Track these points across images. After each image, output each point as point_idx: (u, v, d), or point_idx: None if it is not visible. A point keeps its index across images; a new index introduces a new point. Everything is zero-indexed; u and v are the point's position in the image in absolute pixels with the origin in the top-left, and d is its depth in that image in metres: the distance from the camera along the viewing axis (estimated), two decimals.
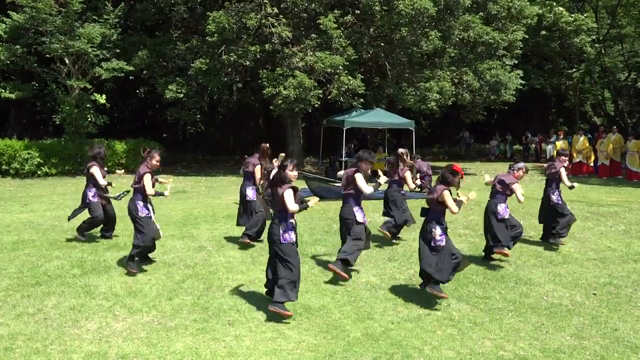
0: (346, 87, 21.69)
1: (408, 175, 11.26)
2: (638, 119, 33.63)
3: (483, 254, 10.26)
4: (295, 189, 7.23)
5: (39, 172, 21.16)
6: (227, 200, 16.30)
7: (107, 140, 23.06)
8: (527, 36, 27.28)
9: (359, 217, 9.06)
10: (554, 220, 11.25)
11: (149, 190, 9.06)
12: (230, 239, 11.41)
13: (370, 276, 9.16)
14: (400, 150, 11.69)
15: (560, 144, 26.01)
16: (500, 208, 9.82)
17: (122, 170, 16.53)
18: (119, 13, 22.54)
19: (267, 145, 11.29)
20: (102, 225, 11.16)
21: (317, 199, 7.80)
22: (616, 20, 32.73)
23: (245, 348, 6.39)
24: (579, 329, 7.08)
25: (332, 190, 17.32)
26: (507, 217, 9.84)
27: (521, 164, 10.10)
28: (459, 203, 8.03)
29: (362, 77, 22.90)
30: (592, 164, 24.81)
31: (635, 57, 34.21)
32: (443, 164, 29.00)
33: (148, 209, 9.16)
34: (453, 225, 12.28)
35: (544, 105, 39.22)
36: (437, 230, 7.85)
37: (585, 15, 30.62)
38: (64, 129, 22.53)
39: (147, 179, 9.08)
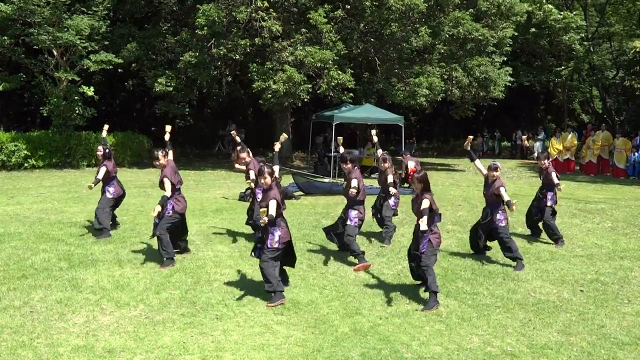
0: (336, 81, 21.64)
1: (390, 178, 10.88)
2: (625, 116, 33.79)
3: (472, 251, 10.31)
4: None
5: (25, 165, 21.00)
6: (215, 195, 16.25)
7: (95, 134, 22.91)
8: (516, 33, 27.35)
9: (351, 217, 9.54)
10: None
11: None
12: (218, 233, 11.39)
13: (356, 271, 9.16)
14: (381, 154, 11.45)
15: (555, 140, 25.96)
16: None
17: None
18: (108, 5, 22.35)
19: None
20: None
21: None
22: (605, 18, 32.85)
23: (233, 343, 6.38)
24: (566, 325, 7.12)
25: (318, 186, 17.35)
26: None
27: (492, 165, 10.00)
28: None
29: (352, 72, 22.85)
30: (584, 162, 24.88)
31: (623, 56, 34.33)
32: (432, 160, 29.11)
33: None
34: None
35: (533, 102, 39.33)
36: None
37: (574, 13, 30.71)
38: (51, 121, 22.34)
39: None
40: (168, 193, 8.97)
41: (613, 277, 9.20)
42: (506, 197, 9.39)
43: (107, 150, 11.14)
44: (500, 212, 9.67)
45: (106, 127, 12.20)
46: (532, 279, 9.00)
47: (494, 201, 9.69)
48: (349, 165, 9.61)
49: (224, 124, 31.20)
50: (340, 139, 11.07)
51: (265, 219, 7.30)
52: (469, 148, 10.07)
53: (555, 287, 8.60)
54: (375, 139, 11.85)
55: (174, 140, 10.16)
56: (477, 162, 10.14)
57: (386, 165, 11.03)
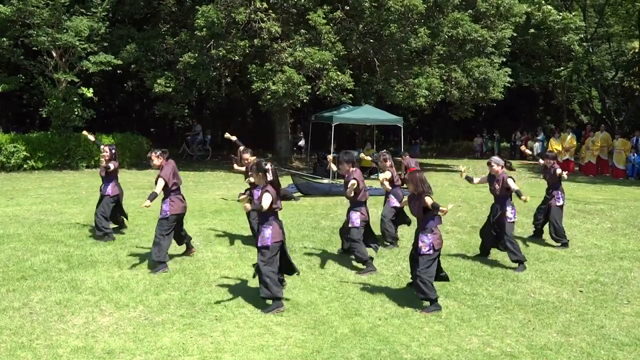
0: (335, 82, 21.65)
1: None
2: (625, 117, 33.82)
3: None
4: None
5: (25, 166, 20.99)
6: (214, 196, 16.25)
7: (94, 135, 22.92)
8: (515, 34, 27.34)
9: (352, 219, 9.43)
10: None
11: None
12: (217, 235, 11.39)
13: (360, 276, 9.16)
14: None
15: (554, 141, 25.95)
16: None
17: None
18: (107, 6, 22.35)
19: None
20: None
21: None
22: (604, 19, 32.89)
23: (233, 344, 6.37)
24: (565, 326, 7.12)
25: (317, 187, 17.35)
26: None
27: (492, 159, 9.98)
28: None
29: (351, 72, 22.86)
30: (583, 163, 24.91)
31: (622, 56, 34.39)
32: (432, 161, 29.12)
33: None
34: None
35: (532, 102, 39.35)
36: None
37: (573, 13, 30.72)
38: (50, 122, 22.36)
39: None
40: (157, 190, 8.92)
41: (612, 277, 9.20)
42: (515, 187, 9.47)
43: (113, 151, 11.09)
44: (510, 207, 9.66)
45: (84, 132, 12.27)
46: (531, 279, 9.00)
47: (503, 195, 9.65)
48: (347, 167, 9.54)
49: (223, 125, 31.21)
50: (330, 157, 10.92)
51: (248, 205, 7.19)
52: (464, 177, 10.01)
53: (555, 288, 8.60)
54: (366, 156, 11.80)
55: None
56: (475, 179, 10.17)
57: (387, 164, 11.03)
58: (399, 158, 12.93)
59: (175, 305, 7.44)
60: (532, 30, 30.23)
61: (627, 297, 8.28)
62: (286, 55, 21.68)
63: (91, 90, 22.21)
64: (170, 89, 22.74)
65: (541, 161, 11.84)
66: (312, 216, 13.48)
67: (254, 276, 7.68)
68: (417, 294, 7.66)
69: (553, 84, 34.20)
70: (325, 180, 19.27)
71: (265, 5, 21.78)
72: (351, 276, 8.93)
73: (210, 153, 28.25)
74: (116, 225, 11.35)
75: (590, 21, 33.09)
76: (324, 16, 21.84)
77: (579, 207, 15.29)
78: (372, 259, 9.36)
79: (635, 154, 22.98)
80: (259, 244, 7.45)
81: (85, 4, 22.43)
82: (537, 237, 11.73)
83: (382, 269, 9.38)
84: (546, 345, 6.56)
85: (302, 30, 22.13)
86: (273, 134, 27.45)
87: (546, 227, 11.50)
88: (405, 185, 14.02)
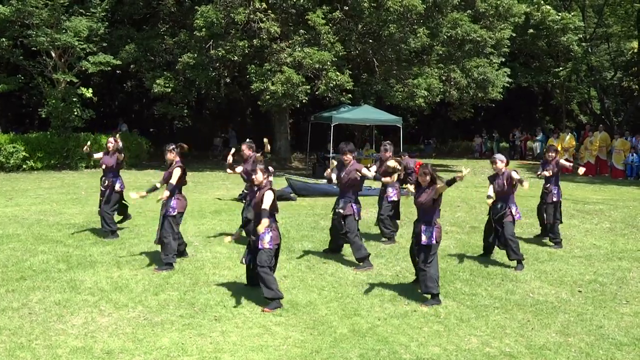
0: (334, 82, 21.66)
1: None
2: (624, 117, 33.82)
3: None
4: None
5: (24, 166, 20.98)
6: (214, 196, 16.25)
7: (93, 135, 22.91)
8: (514, 34, 27.36)
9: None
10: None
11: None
12: (217, 235, 11.39)
13: (357, 272, 9.16)
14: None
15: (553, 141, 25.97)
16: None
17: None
18: (106, 6, 22.35)
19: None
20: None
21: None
22: (603, 19, 32.88)
23: (232, 344, 6.38)
24: (564, 326, 7.12)
25: (315, 188, 17.33)
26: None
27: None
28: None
29: (350, 73, 22.87)
30: (581, 163, 24.91)
31: (621, 57, 34.40)
32: (431, 161, 29.10)
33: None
34: (440, 221, 12.28)
35: (531, 103, 39.32)
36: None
37: (572, 14, 30.71)
38: (50, 122, 22.36)
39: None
40: (172, 181, 9.05)
41: (611, 277, 9.21)
42: (518, 176, 9.61)
43: (120, 144, 11.25)
44: (514, 205, 9.70)
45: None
46: (530, 279, 9.01)
47: (507, 192, 9.67)
48: (349, 156, 9.52)
49: (223, 125, 31.23)
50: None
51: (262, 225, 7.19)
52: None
53: (554, 288, 8.60)
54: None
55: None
56: (490, 192, 9.86)
57: (387, 155, 11.07)
58: (399, 158, 12.93)
59: (174, 306, 7.44)
60: (531, 31, 30.23)
61: (625, 297, 8.29)
62: (285, 55, 21.69)
63: (90, 90, 22.20)
64: (170, 89, 22.74)
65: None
66: (311, 216, 13.48)
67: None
68: (420, 288, 7.86)
69: (552, 84, 34.17)
70: (323, 181, 19.25)
71: (264, 5, 21.78)
72: (350, 276, 8.94)
73: None
74: (121, 217, 11.46)
75: (589, 21, 33.08)
76: (323, 16, 21.85)
77: (578, 207, 15.30)
78: (369, 254, 9.48)
79: (634, 155, 22.99)
80: (260, 247, 7.46)
81: (84, 4, 22.42)
82: (544, 234, 11.65)
83: (381, 268, 9.39)
84: (545, 345, 6.56)
85: (302, 31, 22.13)
86: (272, 135, 27.47)
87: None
88: (404, 185, 14.06)
